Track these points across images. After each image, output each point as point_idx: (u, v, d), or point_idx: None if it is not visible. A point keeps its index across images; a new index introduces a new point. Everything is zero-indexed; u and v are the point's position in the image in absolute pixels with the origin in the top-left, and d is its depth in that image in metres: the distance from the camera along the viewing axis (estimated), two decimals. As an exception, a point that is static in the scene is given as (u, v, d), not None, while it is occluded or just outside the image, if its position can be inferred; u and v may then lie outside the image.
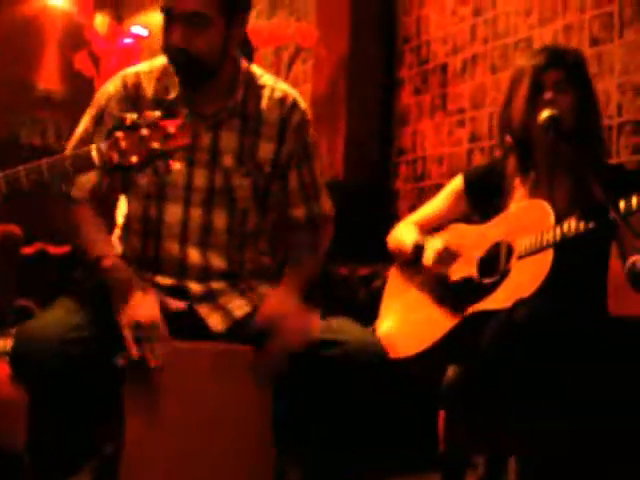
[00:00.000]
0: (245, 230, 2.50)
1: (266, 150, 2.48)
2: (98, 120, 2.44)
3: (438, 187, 3.14)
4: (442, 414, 2.40)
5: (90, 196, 2.44)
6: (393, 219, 2.95)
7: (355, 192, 4.90)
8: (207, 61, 2.35)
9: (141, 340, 2.24)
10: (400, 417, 3.60)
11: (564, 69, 2.59)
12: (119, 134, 2.05)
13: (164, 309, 2.33)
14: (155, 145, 2.05)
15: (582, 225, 2.35)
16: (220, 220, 2.45)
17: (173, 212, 2.43)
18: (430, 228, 2.82)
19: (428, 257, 2.62)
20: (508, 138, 2.70)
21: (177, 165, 2.12)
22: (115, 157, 2.05)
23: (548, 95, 2.54)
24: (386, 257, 2.94)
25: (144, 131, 2.05)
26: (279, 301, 2.40)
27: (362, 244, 3.97)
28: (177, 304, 2.38)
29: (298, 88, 2.63)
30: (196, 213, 2.43)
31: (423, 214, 2.89)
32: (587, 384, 2.34)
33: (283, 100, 2.50)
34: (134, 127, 2.06)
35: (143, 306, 2.28)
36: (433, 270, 2.63)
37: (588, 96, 2.64)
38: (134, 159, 2.05)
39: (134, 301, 2.28)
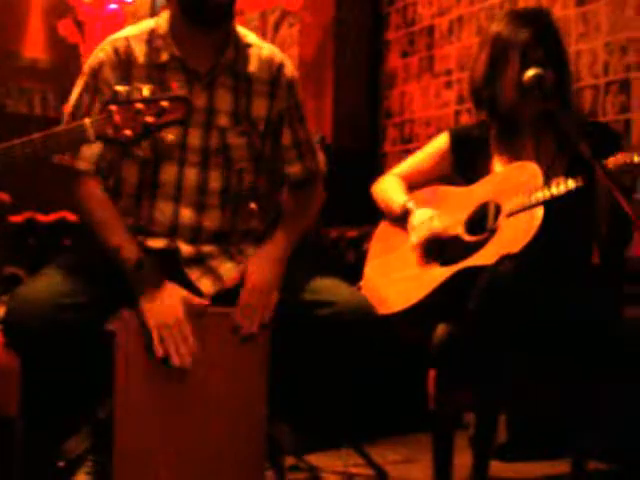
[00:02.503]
0: (240, 191, 2.51)
1: (259, 108, 2.48)
2: (93, 89, 2.42)
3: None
4: (432, 373, 2.42)
5: (95, 167, 2.42)
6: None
7: (343, 155, 4.89)
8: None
9: (165, 340, 2.26)
10: (389, 378, 3.62)
11: (546, 45, 2.60)
12: (113, 108, 2.06)
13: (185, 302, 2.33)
14: (149, 120, 2.07)
15: (571, 184, 2.38)
16: (215, 181, 2.46)
17: (168, 172, 2.43)
18: (414, 184, 2.84)
19: (418, 235, 2.64)
20: (485, 114, 2.73)
21: (171, 137, 2.14)
22: (109, 131, 2.06)
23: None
24: (374, 220, 2.95)
25: (138, 105, 2.06)
26: (256, 266, 2.40)
27: (351, 207, 3.98)
28: (200, 301, 2.36)
29: (284, 52, 2.62)
30: (191, 173, 2.43)
31: (408, 168, 2.89)
32: (573, 337, 2.38)
33: (271, 60, 2.51)
34: (128, 101, 2.07)
35: (168, 306, 2.29)
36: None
37: (563, 66, 2.65)
38: (128, 133, 2.06)
39: (159, 300, 2.29)
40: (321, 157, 2.62)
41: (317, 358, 2.36)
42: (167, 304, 2.29)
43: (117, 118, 2.05)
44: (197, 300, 2.34)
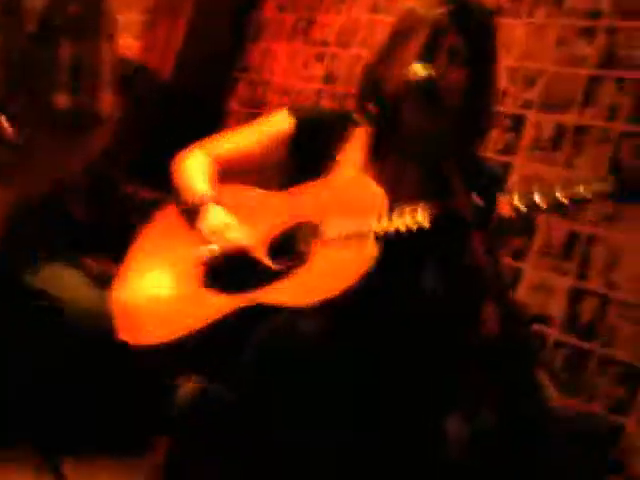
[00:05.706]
0: None
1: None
2: None
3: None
4: (167, 440, 1.82)
5: None
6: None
7: (180, 100, 4.26)
8: None
9: None
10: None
11: (466, 36, 2.00)
12: None
13: None
14: None
15: (420, 218, 1.81)
16: None
17: None
18: (233, 170, 2.20)
19: (208, 247, 2.03)
20: (372, 107, 2.09)
21: None
22: None
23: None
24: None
25: None
26: None
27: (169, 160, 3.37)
28: None
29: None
30: None
31: (229, 149, 2.24)
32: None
33: None
34: None
35: None
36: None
37: (484, 76, 2.06)
38: None
39: None
40: (109, 99, 2.12)
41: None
42: None
43: None
44: None
